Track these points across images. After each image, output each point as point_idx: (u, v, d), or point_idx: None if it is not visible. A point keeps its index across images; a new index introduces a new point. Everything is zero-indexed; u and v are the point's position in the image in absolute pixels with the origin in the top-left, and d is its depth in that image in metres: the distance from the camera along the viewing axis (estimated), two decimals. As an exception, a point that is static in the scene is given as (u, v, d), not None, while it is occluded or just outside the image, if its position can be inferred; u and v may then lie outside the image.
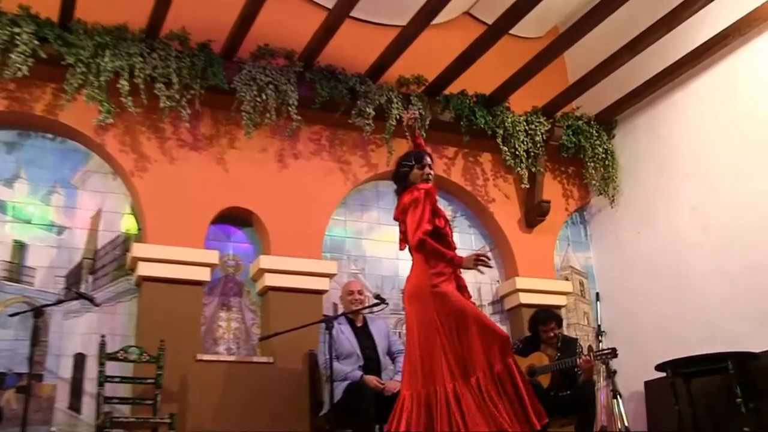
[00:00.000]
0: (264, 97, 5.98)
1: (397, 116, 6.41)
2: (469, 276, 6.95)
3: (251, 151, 6.22)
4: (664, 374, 5.76)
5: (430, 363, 3.95)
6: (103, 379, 5.00)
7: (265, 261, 6.00)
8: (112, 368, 5.14)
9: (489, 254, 4.17)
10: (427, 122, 6.59)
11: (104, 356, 5.07)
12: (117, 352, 5.15)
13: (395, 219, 4.37)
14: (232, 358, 5.77)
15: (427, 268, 4.11)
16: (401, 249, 4.37)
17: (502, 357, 3.90)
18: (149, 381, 5.17)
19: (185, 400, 5.39)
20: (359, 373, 5.19)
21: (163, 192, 5.82)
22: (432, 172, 4.38)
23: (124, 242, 5.81)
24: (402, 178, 4.39)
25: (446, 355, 3.91)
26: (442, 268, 4.12)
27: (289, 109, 6.07)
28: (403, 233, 4.27)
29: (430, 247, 4.07)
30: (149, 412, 5.05)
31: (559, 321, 5.75)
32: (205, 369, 5.55)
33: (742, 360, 5.40)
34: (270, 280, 5.96)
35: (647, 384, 6.50)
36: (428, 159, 4.39)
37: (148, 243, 5.67)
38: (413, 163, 4.36)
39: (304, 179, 6.38)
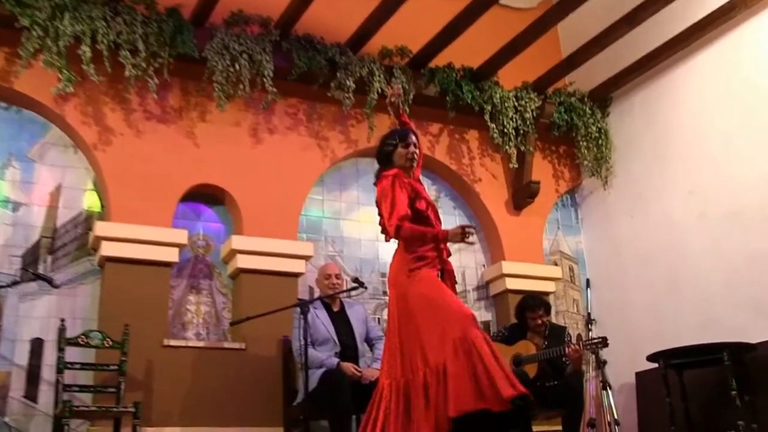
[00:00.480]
0: (237, 67, 5.93)
1: (379, 90, 6.40)
2: (453, 259, 7.09)
3: (223, 125, 6.18)
4: (656, 365, 5.78)
5: (409, 350, 3.95)
6: (62, 366, 4.95)
7: (237, 241, 5.97)
8: (72, 354, 5.09)
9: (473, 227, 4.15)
10: (411, 97, 6.57)
11: (64, 341, 5.01)
12: (78, 337, 5.10)
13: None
14: (201, 343, 5.76)
15: (407, 254, 4.09)
16: (387, 240, 4.34)
17: (463, 331, 3.81)
18: (112, 368, 5.15)
19: (151, 389, 5.38)
20: (336, 360, 5.20)
21: (129, 167, 5.76)
22: (417, 151, 4.33)
23: (85, 220, 5.75)
24: (385, 158, 4.34)
25: (421, 342, 3.89)
26: (423, 252, 4.09)
27: (264, 80, 6.03)
28: (382, 225, 4.25)
29: (408, 231, 4.05)
30: (112, 401, 5.03)
31: (547, 308, 5.77)
32: (172, 355, 5.53)
33: (738, 351, 5.43)
34: (242, 261, 5.93)
35: (638, 375, 6.54)
36: (413, 137, 4.34)
37: (111, 221, 5.61)
38: (397, 141, 4.31)
39: (280, 155, 6.35)
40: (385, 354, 4.10)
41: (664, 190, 6.82)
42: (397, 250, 4.22)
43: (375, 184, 4.40)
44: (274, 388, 5.61)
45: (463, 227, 4.09)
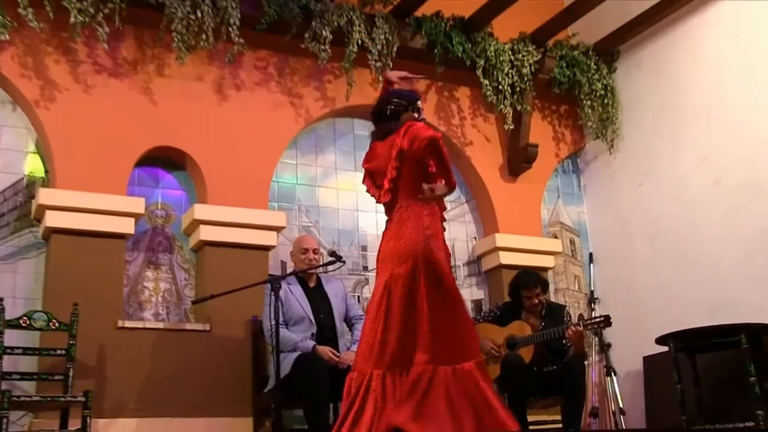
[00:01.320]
0: (199, 14, 5.84)
1: (359, 41, 6.36)
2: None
3: (184, 80, 6.12)
4: (665, 348, 5.77)
5: (405, 338, 3.97)
6: (1, 351, 4.89)
7: (201, 211, 5.93)
8: (13, 338, 5.05)
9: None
10: (394, 49, 6.52)
11: (3, 323, 4.95)
12: (19, 318, 5.05)
13: (400, 157, 4.18)
14: (160, 325, 5.74)
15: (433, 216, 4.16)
16: (383, 200, 4.30)
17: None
18: (59, 352, 5.10)
19: (103, 375, 5.34)
20: (311, 342, 5.20)
21: (76, 127, 5.68)
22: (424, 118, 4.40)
23: (27, 187, 5.68)
24: (389, 117, 4.34)
25: (424, 330, 3.96)
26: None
27: (230, 29, 5.96)
28: (392, 180, 4.19)
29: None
30: (59, 390, 4.98)
31: (545, 286, 5.78)
32: (127, 338, 5.50)
33: (757, 333, 5.42)
34: (206, 233, 5.91)
35: (646, 359, 6.58)
36: (420, 103, 4.42)
37: (57, 188, 5.55)
38: (407, 104, 4.35)
39: (248, 114, 6.30)
40: (371, 336, 4.02)
41: (675, 156, 6.81)
42: (411, 212, 4.14)
43: (378, 138, 4.40)
44: (243, 374, 5.61)
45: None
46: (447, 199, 6.44)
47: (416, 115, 4.30)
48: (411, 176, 4.16)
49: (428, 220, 4.10)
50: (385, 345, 3.93)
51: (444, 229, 4.25)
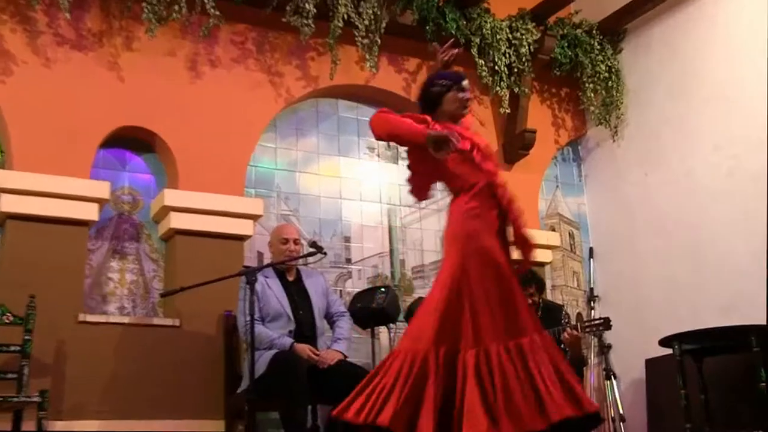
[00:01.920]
0: (172, -18, 5.83)
1: (345, 16, 6.29)
2: (431, 222, 7.08)
3: (154, 55, 6.08)
4: (670, 351, 5.76)
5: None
6: (-51, 346, 4.88)
7: (171, 197, 5.91)
8: (-37, 332, 5.02)
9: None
10: (383, 25, 6.50)
11: (-49, 316, 4.94)
12: (-31, 311, 5.03)
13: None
14: (125, 319, 5.71)
15: None
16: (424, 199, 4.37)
17: None
18: (13, 349, 5.05)
19: (62, 374, 5.30)
20: (289, 340, 5.18)
21: (35, 104, 5.62)
22: (470, 98, 4.34)
23: (-20, 168, 5.65)
24: (431, 100, 4.29)
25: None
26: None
27: (205, 0, 5.91)
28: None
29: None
30: (12, 389, 4.91)
31: (540, 286, 5.80)
32: (89, 333, 5.45)
33: (769, 335, 5.43)
34: (177, 221, 5.88)
35: (649, 362, 6.58)
36: (467, 83, 4.34)
37: (14, 170, 5.50)
38: (450, 83, 4.27)
39: (223, 93, 6.27)
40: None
41: (685, 143, 6.82)
42: None
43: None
44: (214, 373, 5.60)
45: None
46: (437, 188, 6.47)
47: (461, 94, 4.22)
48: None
49: None
50: None
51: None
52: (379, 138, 4.15)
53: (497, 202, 4.04)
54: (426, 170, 4.13)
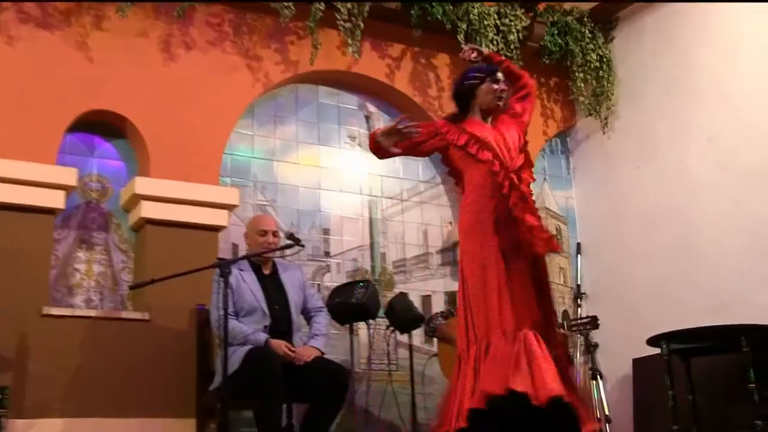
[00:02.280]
0: (145, -41, 5.80)
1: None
2: (413, 214, 7.09)
3: (125, 36, 6.05)
4: (657, 350, 5.77)
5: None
6: None
7: (142, 185, 5.89)
8: None
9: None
10: (366, 9, 6.49)
11: None
12: (-73, 302, 5.01)
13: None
14: (92, 313, 5.68)
15: None
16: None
17: None
18: (-27, 342, 5.05)
19: (24, 369, 5.26)
20: (264, 335, 5.17)
21: (-2, 84, 5.61)
22: (506, 90, 4.48)
23: (-59, 153, 5.59)
24: (464, 94, 4.47)
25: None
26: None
27: None
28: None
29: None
30: (-29, 385, 4.92)
31: None
32: (54, 327, 5.42)
33: (760, 336, 5.41)
34: (148, 210, 5.86)
35: (636, 362, 6.61)
36: (501, 75, 4.49)
37: None
38: (484, 75, 4.43)
39: (199, 77, 6.25)
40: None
41: (677, 136, 6.83)
42: None
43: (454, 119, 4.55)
44: (185, 369, 5.56)
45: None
46: (419, 178, 6.50)
47: (495, 86, 4.36)
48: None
49: None
50: None
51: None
52: (381, 158, 4.41)
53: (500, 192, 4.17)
54: (451, 171, 4.47)
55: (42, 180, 5.51)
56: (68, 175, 5.64)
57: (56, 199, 5.57)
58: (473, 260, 4.13)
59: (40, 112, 5.64)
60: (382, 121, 7.15)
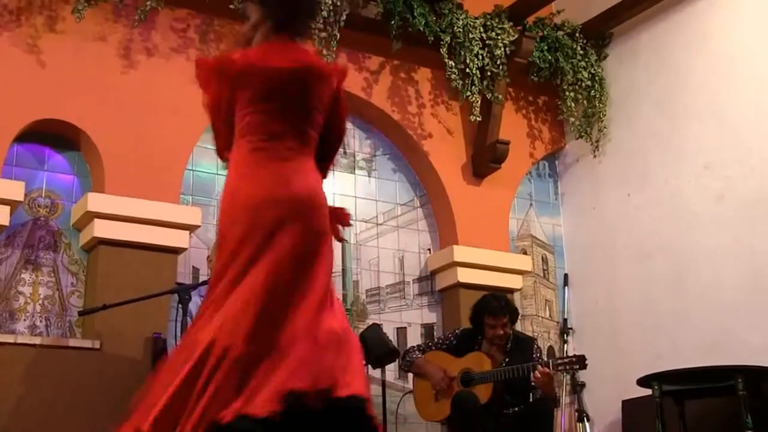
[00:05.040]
0: (104, -42, 5.79)
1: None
2: (389, 240, 7.06)
3: (81, 39, 6.03)
4: (649, 391, 5.80)
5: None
6: None
7: (96, 201, 5.84)
8: None
9: None
10: (343, 18, 6.48)
11: None
12: None
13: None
14: (37, 340, 5.60)
15: None
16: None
17: None
18: None
19: None
20: None
21: (-62, 89, 5.58)
22: None
23: None
24: None
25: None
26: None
27: None
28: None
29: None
30: None
31: (513, 316, 5.79)
32: None
33: (756, 377, 5.47)
34: (101, 229, 5.81)
35: (626, 404, 6.59)
36: None
37: None
38: None
39: (160, 86, 6.23)
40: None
41: (672, 162, 6.86)
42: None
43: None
44: (138, 403, 5.48)
45: None
46: (396, 201, 6.47)
47: None
48: None
49: None
50: None
51: None
52: None
53: None
54: None
55: (-16, 194, 5.50)
56: (14, 189, 5.59)
57: (0, 215, 5.52)
58: None
59: (-15, 121, 5.63)
60: (357, 139, 7.15)
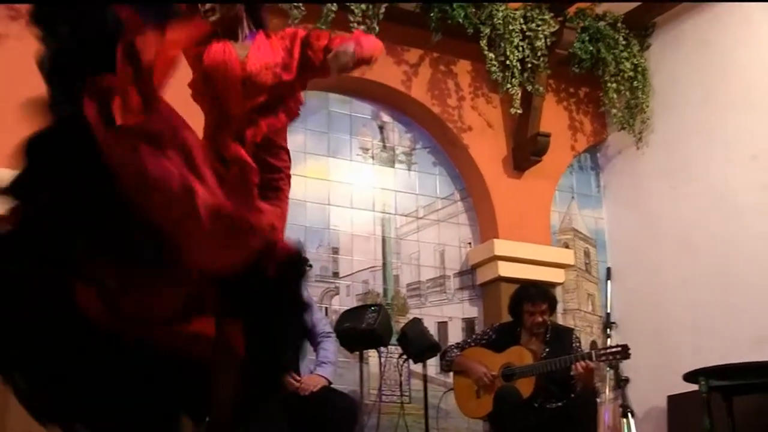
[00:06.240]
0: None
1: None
2: (430, 233, 7.04)
3: None
4: (695, 387, 5.73)
5: None
6: None
7: None
8: None
9: None
10: (382, 10, 6.47)
11: None
12: None
13: None
14: None
15: None
16: None
17: None
18: None
19: None
20: None
21: None
22: None
23: None
24: None
25: None
26: None
27: None
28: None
29: None
30: None
31: (552, 304, 5.74)
32: None
33: (809, 373, 5.41)
34: None
35: (671, 399, 6.56)
36: None
37: None
38: None
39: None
40: None
41: (717, 153, 6.80)
42: None
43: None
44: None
45: None
46: (436, 194, 6.42)
47: None
48: None
49: None
50: None
51: None
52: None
53: None
54: None
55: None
56: None
57: None
58: None
59: None
60: (396, 132, 7.13)
